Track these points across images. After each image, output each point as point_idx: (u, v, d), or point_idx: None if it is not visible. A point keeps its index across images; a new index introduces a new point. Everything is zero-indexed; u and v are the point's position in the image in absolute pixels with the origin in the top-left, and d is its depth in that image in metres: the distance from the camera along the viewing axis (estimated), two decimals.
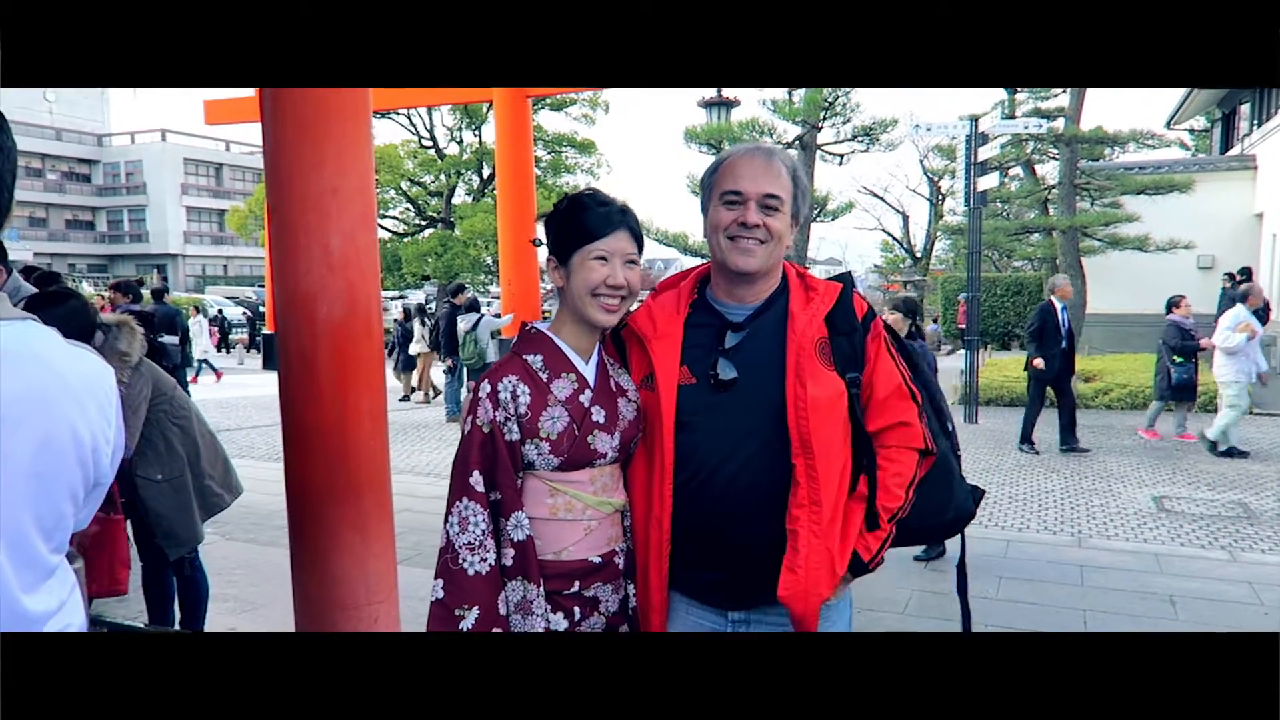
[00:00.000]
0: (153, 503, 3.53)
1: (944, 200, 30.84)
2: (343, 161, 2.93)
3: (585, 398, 1.80)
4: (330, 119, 2.93)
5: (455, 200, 25.56)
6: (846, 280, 1.91)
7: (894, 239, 34.05)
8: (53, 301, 3.31)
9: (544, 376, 1.79)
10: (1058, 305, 8.97)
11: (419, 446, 9.68)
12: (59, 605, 1.26)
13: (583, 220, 1.80)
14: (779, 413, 1.75)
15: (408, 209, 26.34)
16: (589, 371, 1.84)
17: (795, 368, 1.75)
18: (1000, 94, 15.40)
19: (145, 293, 10.35)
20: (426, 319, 13.70)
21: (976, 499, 2.00)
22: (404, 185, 25.33)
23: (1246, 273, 14.76)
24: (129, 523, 3.73)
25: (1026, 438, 9.06)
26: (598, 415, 1.79)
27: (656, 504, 1.80)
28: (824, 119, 12.06)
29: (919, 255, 32.43)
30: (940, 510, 1.91)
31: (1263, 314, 14.36)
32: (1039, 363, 8.95)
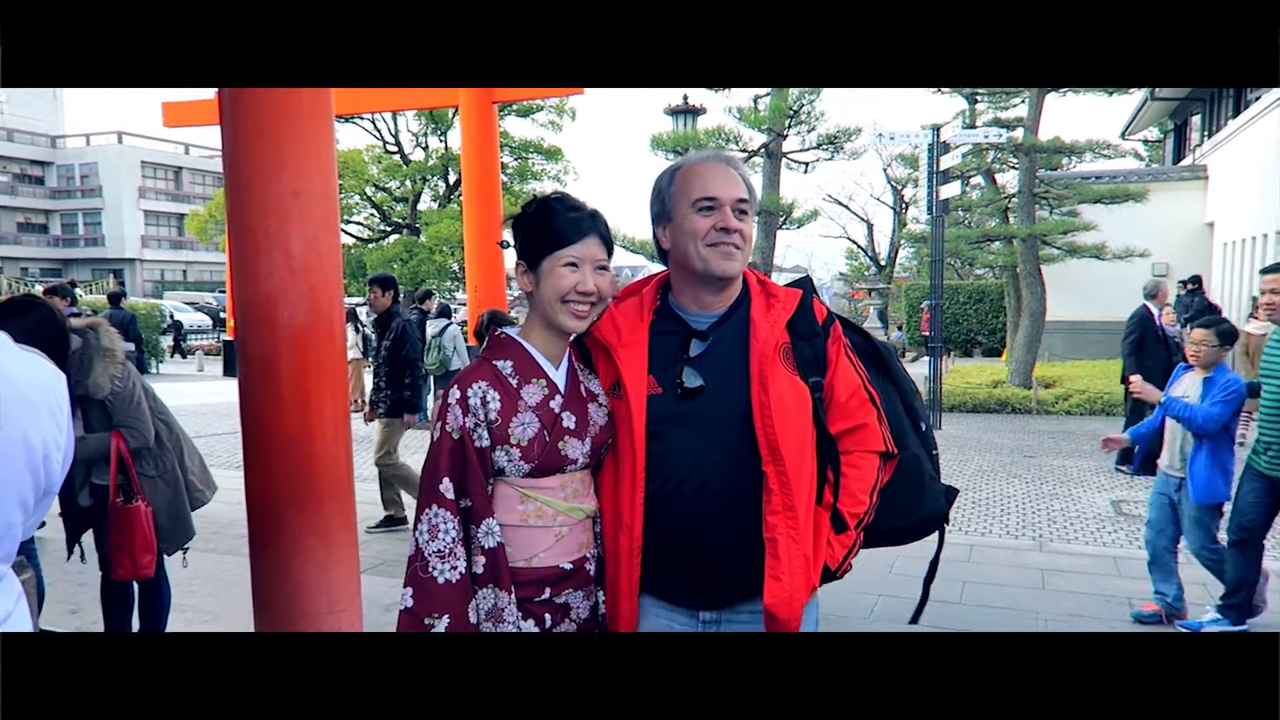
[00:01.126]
0: (150, 500, 3.50)
1: (907, 208, 31.17)
2: (304, 164, 2.89)
3: (556, 403, 1.79)
4: (291, 120, 2.89)
5: (421, 206, 25.36)
6: (806, 285, 1.93)
7: (859, 247, 34.35)
8: (19, 311, 3.21)
9: (514, 382, 1.78)
10: (1155, 310, 8.07)
11: None
12: (4, 615, 1.22)
13: (552, 225, 1.79)
14: (745, 420, 1.75)
15: (372, 215, 26.09)
16: (559, 377, 1.83)
17: (759, 375, 1.76)
18: (961, 103, 15.61)
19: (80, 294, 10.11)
20: (360, 325, 13.56)
21: (950, 498, 2.04)
22: (369, 191, 25.09)
23: (1197, 280, 15.11)
24: (93, 531, 3.65)
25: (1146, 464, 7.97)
26: (568, 421, 1.78)
27: (627, 512, 1.80)
28: (789, 127, 12.15)
29: (883, 263, 32.75)
30: (908, 511, 1.94)
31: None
32: (1136, 382, 7.85)
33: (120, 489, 3.44)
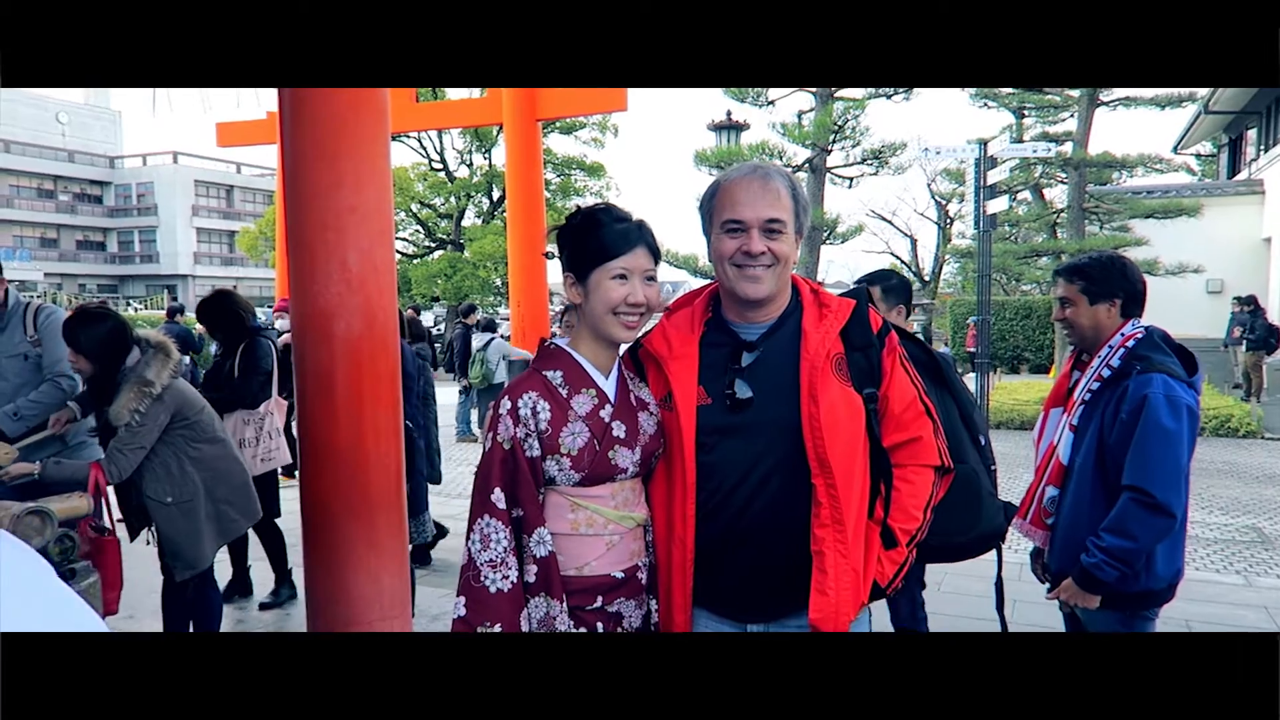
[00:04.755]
0: (162, 525, 3.52)
1: (952, 224, 30.88)
2: (361, 181, 2.95)
3: (606, 413, 1.79)
4: (348, 139, 2.95)
5: (465, 222, 25.70)
6: (860, 295, 1.90)
7: (902, 262, 34.07)
8: (92, 321, 3.35)
9: (564, 392, 1.79)
10: None
11: None
12: None
13: (600, 237, 1.78)
14: (795, 432, 1.74)
15: (417, 231, 26.50)
16: (609, 386, 1.84)
17: (808, 387, 1.75)
18: (1008, 118, 15.46)
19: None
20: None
21: (1008, 515, 1.98)
22: (414, 207, 25.50)
23: (1252, 300, 14.74)
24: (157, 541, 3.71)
25: None
26: (618, 430, 1.79)
27: (679, 524, 1.80)
28: (833, 142, 12.12)
29: (927, 279, 32.44)
30: (966, 528, 1.90)
31: (1274, 340, 14.37)
32: None
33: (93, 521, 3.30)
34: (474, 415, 11.44)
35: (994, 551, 2.02)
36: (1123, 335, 2.55)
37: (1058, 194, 15.29)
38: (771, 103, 12.76)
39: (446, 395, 14.23)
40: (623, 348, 1.91)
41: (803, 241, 1.90)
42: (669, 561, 1.82)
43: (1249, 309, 14.48)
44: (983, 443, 1.98)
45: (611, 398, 1.82)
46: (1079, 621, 2.74)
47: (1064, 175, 13.84)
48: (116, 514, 3.61)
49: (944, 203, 30.83)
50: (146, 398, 3.38)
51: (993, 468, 2.00)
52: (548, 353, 1.87)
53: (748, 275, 1.79)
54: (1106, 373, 2.50)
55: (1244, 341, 14.40)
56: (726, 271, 1.81)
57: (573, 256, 1.83)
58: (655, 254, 1.83)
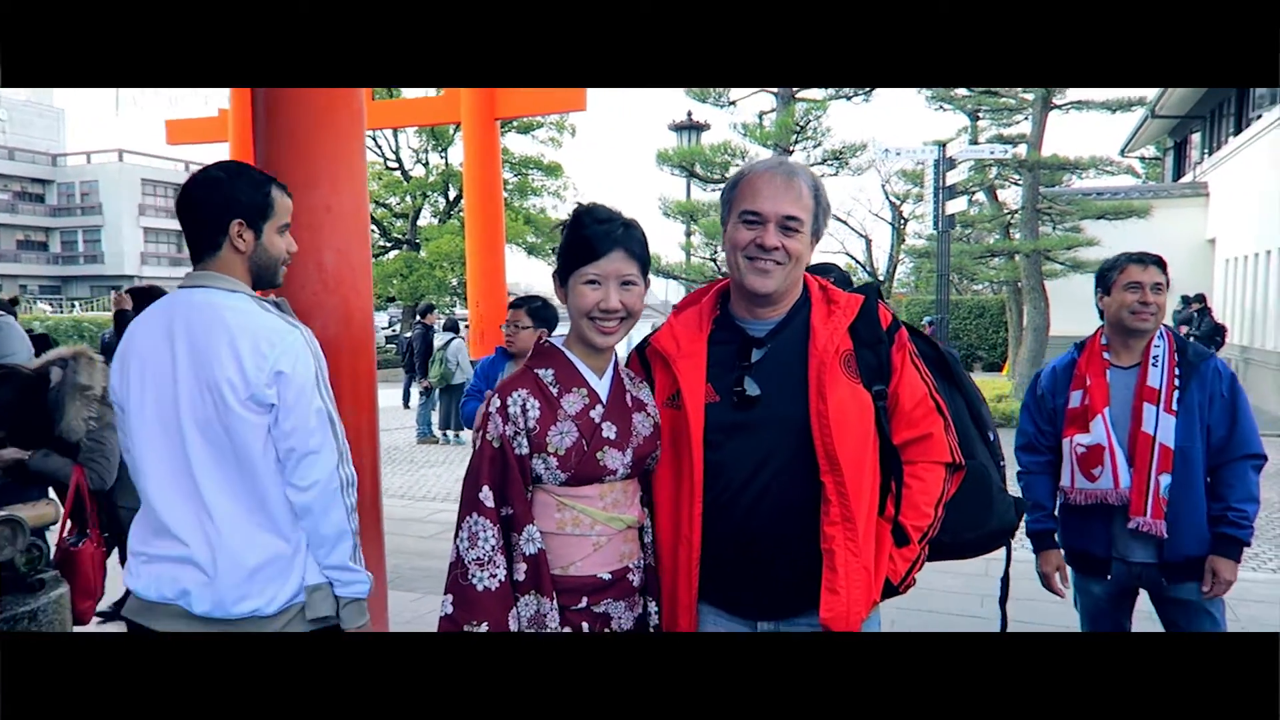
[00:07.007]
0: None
1: (906, 224, 31.26)
2: (337, 180, 2.91)
3: (596, 413, 1.78)
4: (324, 137, 2.91)
5: (421, 222, 25.47)
6: (870, 291, 1.90)
7: (857, 262, 34.42)
8: None
9: (555, 391, 1.78)
10: None
11: (390, 469, 9.56)
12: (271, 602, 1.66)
13: (578, 240, 1.77)
14: (803, 429, 1.73)
15: (372, 230, 26.20)
16: (601, 387, 1.82)
17: (817, 384, 1.74)
18: (963, 120, 15.72)
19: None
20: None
21: (1019, 510, 1.99)
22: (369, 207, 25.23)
23: (1201, 299, 15.14)
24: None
25: None
26: (609, 431, 1.77)
27: (685, 524, 1.78)
28: (795, 143, 12.20)
29: (882, 278, 32.81)
30: (977, 524, 1.90)
31: (1219, 338, 14.77)
32: None
33: (75, 524, 3.16)
34: (434, 417, 11.33)
35: (1003, 548, 2.02)
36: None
37: (1012, 195, 15.58)
38: (733, 103, 12.81)
39: (388, 397, 14.09)
40: (624, 348, 1.89)
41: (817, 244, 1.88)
42: (675, 562, 1.81)
43: (1198, 307, 14.86)
44: (991, 439, 1.98)
45: (603, 398, 1.81)
46: (1098, 619, 2.93)
47: (1018, 177, 14.09)
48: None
49: (899, 203, 31.18)
50: (92, 401, 3.26)
51: (1002, 464, 2.00)
52: (542, 351, 1.86)
53: (758, 268, 1.78)
54: (1178, 358, 2.67)
55: (1190, 339, 14.76)
56: (738, 262, 1.81)
57: (559, 258, 1.83)
58: (638, 257, 1.79)
